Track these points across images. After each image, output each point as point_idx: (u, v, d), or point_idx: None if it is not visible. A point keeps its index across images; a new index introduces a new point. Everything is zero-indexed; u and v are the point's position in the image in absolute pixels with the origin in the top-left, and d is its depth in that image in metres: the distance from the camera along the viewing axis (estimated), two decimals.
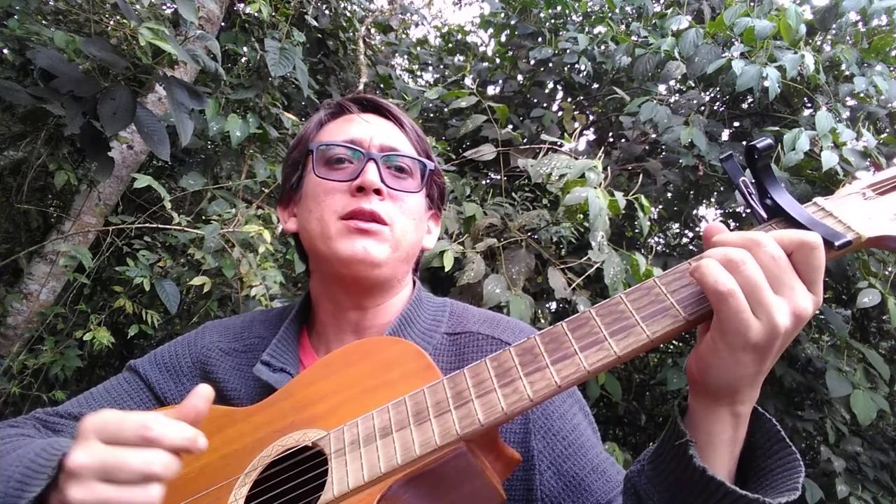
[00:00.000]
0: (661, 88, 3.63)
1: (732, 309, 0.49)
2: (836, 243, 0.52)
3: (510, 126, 3.27)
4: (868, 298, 2.43)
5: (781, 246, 0.51)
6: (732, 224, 3.66)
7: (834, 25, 3.07)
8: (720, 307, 0.50)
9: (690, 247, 3.86)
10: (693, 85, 3.56)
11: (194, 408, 0.57)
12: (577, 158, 2.35)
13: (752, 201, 0.59)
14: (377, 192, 0.79)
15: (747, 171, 0.60)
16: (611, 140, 4.03)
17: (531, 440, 0.75)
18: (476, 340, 0.82)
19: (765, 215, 0.58)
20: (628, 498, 0.64)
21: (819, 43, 3.30)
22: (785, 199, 0.56)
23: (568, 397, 0.81)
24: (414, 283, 0.92)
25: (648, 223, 2.30)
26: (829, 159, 2.44)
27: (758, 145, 0.55)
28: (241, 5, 2.93)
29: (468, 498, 0.60)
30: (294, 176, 0.88)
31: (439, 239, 2.41)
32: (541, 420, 0.77)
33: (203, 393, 0.58)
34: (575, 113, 3.61)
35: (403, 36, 4.73)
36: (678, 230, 4.10)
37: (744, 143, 3.33)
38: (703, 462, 0.54)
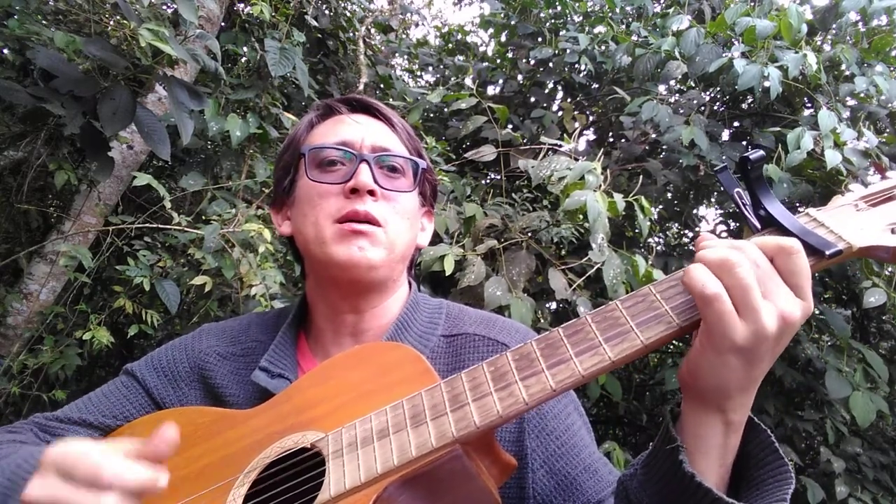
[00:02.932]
0: (662, 88, 3.63)
1: (717, 312, 0.50)
2: (827, 252, 0.53)
3: (510, 126, 3.27)
4: (874, 298, 2.43)
5: (763, 251, 0.52)
6: (732, 224, 3.66)
7: (834, 25, 3.07)
8: (705, 310, 0.51)
9: (690, 247, 3.86)
10: (693, 85, 3.55)
11: (154, 450, 0.55)
12: (577, 159, 2.35)
13: (746, 212, 0.59)
14: (371, 192, 0.79)
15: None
16: (611, 140, 4.03)
17: (525, 439, 0.76)
18: (472, 342, 0.82)
19: (758, 225, 0.59)
20: (619, 501, 0.65)
21: (819, 43, 3.30)
22: (777, 210, 0.57)
23: (563, 397, 0.81)
24: (410, 284, 0.91)
25: (648, 224, 2.30)
26: (832, 158, 2.45)
27: (751, 157, 0.57)
28: (241, 5, 2.93)
29: (464, 501, 0.61)
30: (286, 179, 0.87)
31: (439, 241, 2.42)
32: (535, 419, 0.77)
33: (169, 438, 0.55)
34: (575, 113, 3.61)
35: (403, 36, 4.73)
36: (678, 230, 4.10)
37: (744, 143, 3.33)
38: (693, 468, 0.54)
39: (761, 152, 0.57)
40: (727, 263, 0.51)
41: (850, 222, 0.56)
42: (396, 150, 0.85)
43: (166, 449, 0.55)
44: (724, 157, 2.96)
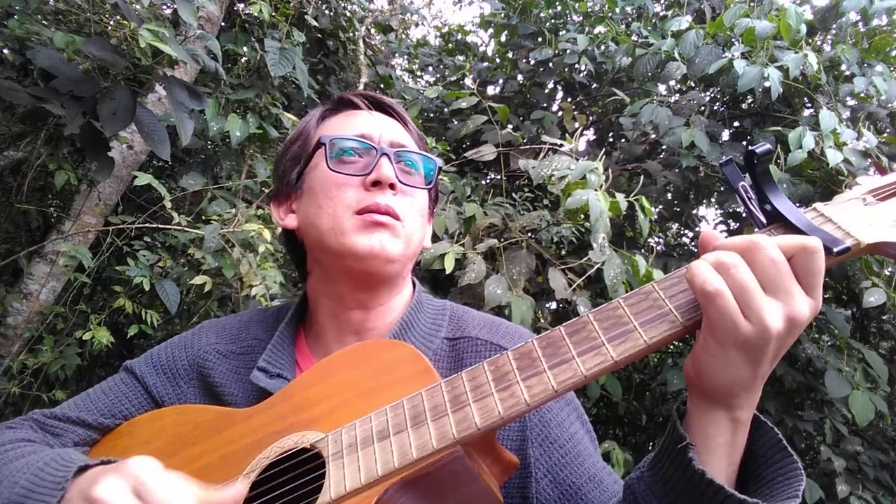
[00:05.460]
0: (661, 88, 3.63)
1: (719, 309, 0.50)
2: (835, 249, 0.52)
3: (510, 127, 3.27)
4: (874, 298, 2.43)
5: (781, 250, 0.51)
6: (732, 224, 3.66)
7: (834, 25, 3.07)
8: (707, 307, 0.51)
9: (691, 247, 3.86)
10: (693, 85, 3.55)
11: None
12: (577, 159, 2.35)
13: (751, 206, 0.58)
14: (391, 186, 0.79)
15: (747, 175, 0.60)
16: (611, 140, 4.03)
17: (528, 448, 0.75)
18: (475, 345, 0.81)
19: (764, 220, 0.58)
20: None
21: (819, 43, 3.30)
22: (784, 205, 0.56)
23: (566, 405, 0.80)
24: (414, 284, 0.91)
25: (649, 224, 2.30)
26: (834, 157, 2.45)
27: (757, 150, 0.55)
28: (241, 5, 2.93)
29: (466, 502, 0.60)
30: (294, 170, 0.86)
31: (439, 240, 2.42)
32: (538, 428, 0.76)
33: (238, 496, 0.60)
34: (575, 113, 3.61)
35: (403, 36, 4.73)
36: (678, 230, 4.10)
37: (744, 143, 3.33)
38: (702, 466, 0.54)
39: (768, 146, 0.55)
40: (727, 262, 0.50)
41: (858, 217, 0.54)
42: (412, 148, 0.85)
43: None
44: (724, 157, 2.95)
